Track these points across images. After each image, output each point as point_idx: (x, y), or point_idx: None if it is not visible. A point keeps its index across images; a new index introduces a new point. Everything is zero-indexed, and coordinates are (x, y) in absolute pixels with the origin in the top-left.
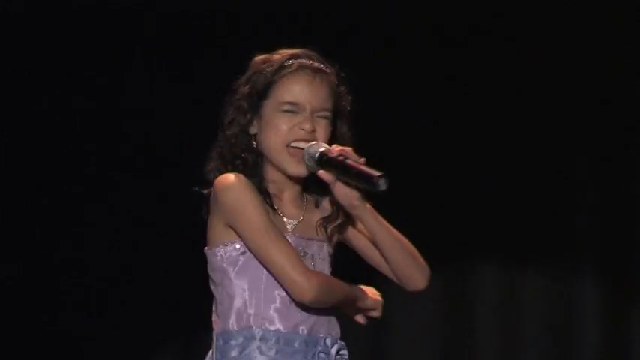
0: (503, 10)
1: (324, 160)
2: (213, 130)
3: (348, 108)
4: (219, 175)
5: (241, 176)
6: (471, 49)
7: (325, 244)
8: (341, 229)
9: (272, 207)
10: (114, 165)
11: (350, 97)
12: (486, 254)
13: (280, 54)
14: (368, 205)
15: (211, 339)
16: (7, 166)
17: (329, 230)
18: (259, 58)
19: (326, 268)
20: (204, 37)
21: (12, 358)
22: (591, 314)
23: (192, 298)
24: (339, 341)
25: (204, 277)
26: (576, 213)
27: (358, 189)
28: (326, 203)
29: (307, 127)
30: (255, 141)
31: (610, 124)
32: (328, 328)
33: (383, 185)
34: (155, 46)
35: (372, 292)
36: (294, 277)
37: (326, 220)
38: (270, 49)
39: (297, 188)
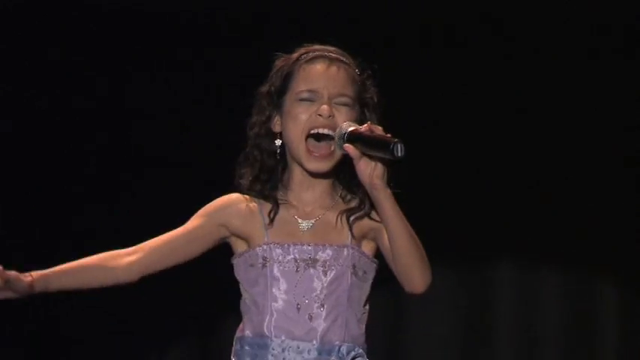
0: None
1: (351, 136)
2: (213, 129)
3: (374, 101)
4: (242, 180)
5: (233, 197)
6: (474, 48)
7: (347, 249)
8: (364, 222)
9: (272, 220)
10: (121, 164)
11: (376, 90)
12: (505, 253)
13: (297, 51)
14: (388, 190)
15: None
16: (6, 166)
17: (352, 222)
18: (281, 57)
19: (345, 276)
20: (204, 37)
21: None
22: (610, 314)
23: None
24: (356, 348)
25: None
26: (595, 212)
27: (382, 161)
28: (354, 201)
29: (325, 112)
30: (281, 138)
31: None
32: (344, 334)
33: (399, 151)
34: (154, 45)
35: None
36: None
37: (350, 211)
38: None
39: (324, 186)
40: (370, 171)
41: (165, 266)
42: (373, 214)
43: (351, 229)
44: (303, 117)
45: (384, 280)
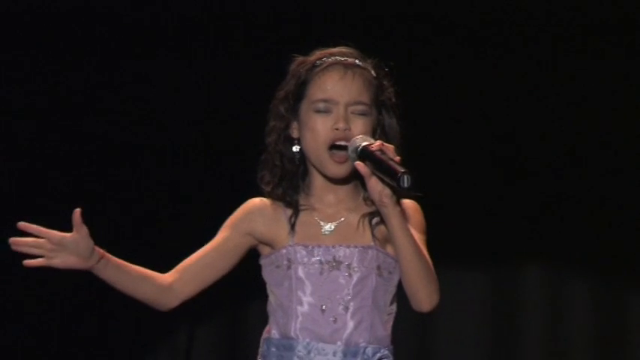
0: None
1: (363, 153)
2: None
3: (393, 100)
4: (263, 184)
5: (258, 200)
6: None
7: (371, 250)
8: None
9: (292, 226)
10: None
11: (394, 90)
12: (533, 257)
13: (313, 55)
14: (398, 208)
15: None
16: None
17: (373, 225)
18: (296, 61)
19: (370, 277)
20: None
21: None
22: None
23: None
24: (381, 350)
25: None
26: (627, 219)
27: (391, 187)
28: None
29: (341, 125)
30: (299, 144)
31: None
32: (369, 336)
33: (405, 182)
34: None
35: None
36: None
37: (371, 215)
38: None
39: (346, 189)
40: (380, 189)
41: (201, 284)
42: None
43: (373, 232)
44: (321, 129)
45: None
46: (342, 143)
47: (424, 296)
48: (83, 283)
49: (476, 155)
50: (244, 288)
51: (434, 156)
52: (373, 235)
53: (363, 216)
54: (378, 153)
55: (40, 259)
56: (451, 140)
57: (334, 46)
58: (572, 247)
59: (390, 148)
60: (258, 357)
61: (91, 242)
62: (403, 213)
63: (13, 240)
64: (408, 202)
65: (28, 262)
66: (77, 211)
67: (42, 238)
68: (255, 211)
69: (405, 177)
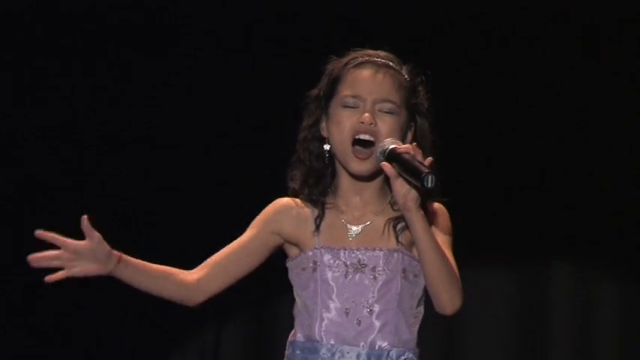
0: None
1: (390, 155)
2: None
3: (425, 107)
4: (292, 183)
5: (286, 200)
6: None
7: (397, 254)
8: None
9: (317, 227)
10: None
11: (428, 95)
12: (562, 255)
13: (350, 54)
14: (421, 212)
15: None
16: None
17: (399, 230)
18: (333, 61)
19: (395, 280)
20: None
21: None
22: None
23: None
24: (406, 353)
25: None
26: None
27: (416, 188)
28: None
29: (366, 119)
30: (329, 143)
31: None
32: (394, 339)
33: (429, 182)
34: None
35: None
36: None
37: (396, 220)
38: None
39: (372, 191)
40: (405, 192)
41: (228, 280)
42: None
43: (398, 236)
44: (346, 123)
45: None
46: (367, 137)
47: (447, 299)
48: (107, 282)
49: (502, 153)
50: (272, 287)
51: (459, 153)
52: (398, 239)
53: (389, 220)
54: (405, 155)
55: (60, 273)
56: (476, 138)
57: (373, 49)
58: (598, 245)
59: (418, 151)
60: (285, 358)
61: (106, 246)
62: (426, 217)
63: (31, 258)
64: (435, 205)
65: (49, 278)
66: (84, 218)
67: (57, 247)
68: (283, 211)
69: (430, 177)
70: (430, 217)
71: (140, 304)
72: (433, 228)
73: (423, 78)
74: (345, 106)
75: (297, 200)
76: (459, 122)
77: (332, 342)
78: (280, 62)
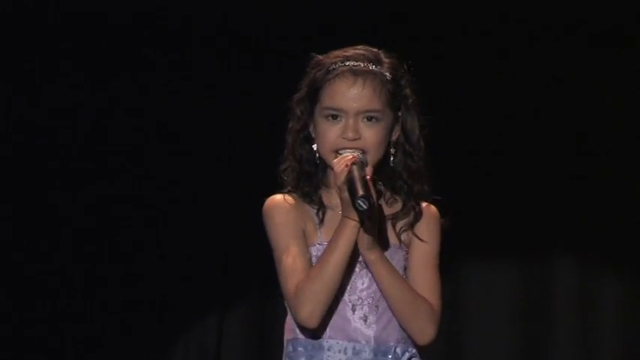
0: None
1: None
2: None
3: (411, 99)
4: (286, 180)
5: (281, 198)
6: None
7: (400, 251)
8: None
9: (322, 220)
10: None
11: (412, 87)
12: (565, 252)
13: (330, 57)
14: (376, 253)
15: (282, 344)
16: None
17: (398, 229)
18: (314, 60)
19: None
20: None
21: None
22: None
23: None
24: (410, 349)
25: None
26: None
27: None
28: (397, 204)
29: (349, 135)
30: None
31: None
32: (399, 335)
33: (360, 205)
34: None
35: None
36: (289, 303)
37: (394, 218)
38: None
39: None
40: (360, 242)
41: None
42: (416, 229)
43: (399, 236)
44: (330, 136)
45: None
46: (350, 152)
47: (416, 331)
48: (105, 270)
49: (506, 148)
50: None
51: (463, 149)
52: (400, 238)
53: (388, 217)
54: (351, 175)
55: None
56: (481, 133)
57: (353, 44)
58: (603, 240)
59: (354, 162)
60: (284, 357)
61: None
62: (417, 218)
63: None
64: (428, 209)
65: None
66: None
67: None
68: (288, 207)
69: (360, 200)
70: (421, 221)
71: (140, 298)
72: (423, 233)
73: (406, 67)
74: (327, 117)
75: (292, 196)
76: (460, 117)
77: (338, 338)
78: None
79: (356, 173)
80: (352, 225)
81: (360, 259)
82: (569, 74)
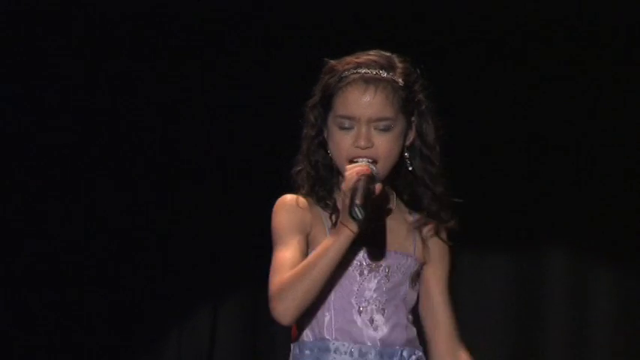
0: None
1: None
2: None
3: (425, 104)
4: (299, 182)
5: (292, 198)
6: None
7: (410, 259)
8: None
9: (335, 223)
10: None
11: (426, 91)
12: (558, 244)
13: (342, 63)
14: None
15: (289, 347)
16: None
17: (415, 241)
18: (328, 66)
19: (405, 284)
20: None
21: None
22: None
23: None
24: (416, 351)
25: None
26: None
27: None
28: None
29: (362, 143)
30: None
31: None
32: (405, 337)
33: (356, 213)
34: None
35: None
36: (269, 296)
37: (409, 227)
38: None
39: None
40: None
41: None
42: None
43: (414, 246)
44: (343, 145)
45: None
46: (359, 161)
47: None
48: (99, 261)
49: (502, 141)
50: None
51: (460, 143)
52: (414, 248)
53: (404, 225)
54: (358, 183)
55: None
56: (471, 128)
57: (367, 48)
58: (596, 232)
59: (364, 174)
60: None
61: None
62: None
63: None
64: (442, 246)
65: None
66: None
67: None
68: (299, 208)
69: (354, 209)
70: (440, 250)
71: (138, 280)
72: (440, 262)
73: (419, 72)
74: (340, 127)
75: (309, 199)
76: (458, 114)
77: (345, 341)
78: None
79: (363, 184)
80: (346, 233)
81: (367, 262)
82: (562, 73)
